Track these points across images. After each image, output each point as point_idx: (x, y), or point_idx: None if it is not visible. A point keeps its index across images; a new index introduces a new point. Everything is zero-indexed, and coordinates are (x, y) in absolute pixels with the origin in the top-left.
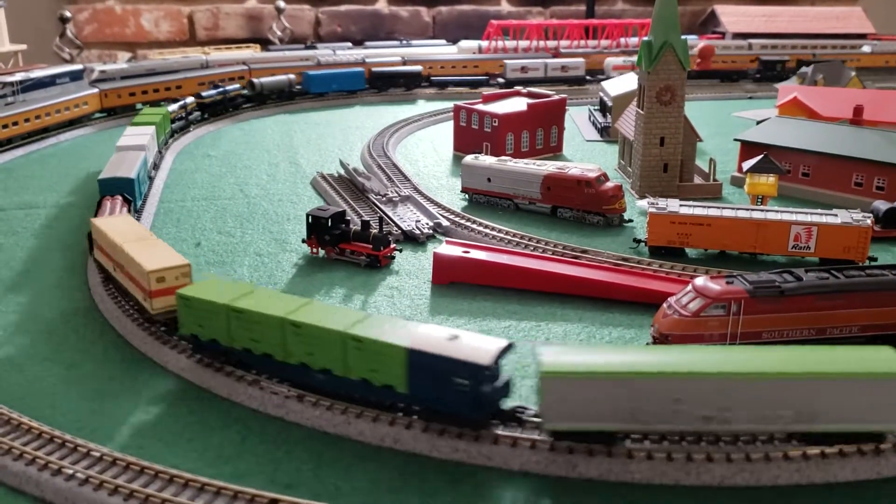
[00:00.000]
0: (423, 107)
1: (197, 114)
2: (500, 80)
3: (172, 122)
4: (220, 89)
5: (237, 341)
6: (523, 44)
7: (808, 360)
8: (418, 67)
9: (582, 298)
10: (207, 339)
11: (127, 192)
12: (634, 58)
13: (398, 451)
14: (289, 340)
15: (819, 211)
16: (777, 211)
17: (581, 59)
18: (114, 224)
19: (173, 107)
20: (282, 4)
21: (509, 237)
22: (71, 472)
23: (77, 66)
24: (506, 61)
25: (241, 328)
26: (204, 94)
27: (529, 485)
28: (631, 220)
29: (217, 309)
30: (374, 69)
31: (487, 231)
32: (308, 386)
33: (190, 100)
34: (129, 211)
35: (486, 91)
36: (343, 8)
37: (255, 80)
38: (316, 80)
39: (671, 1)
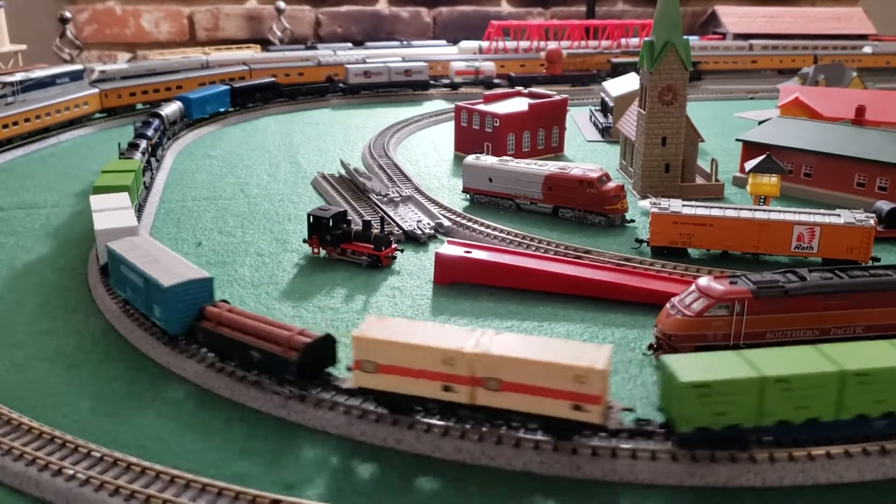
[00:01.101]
0: (425, 107)
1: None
2: (342, 85)
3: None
4: (156, 124)
5: (772, 416)
6: (524, 44)
7: None
8: (271, 79)
9: (584, 299)
10: (725, 426)
11: (206, 296)
12: (479, 63)
13: (401, 452)
14: (848, 394)
15: (822, 211)
16: (780, 211)
17: (424, 64)
18: (400, 331)
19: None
20: (282, 5)
21: (511, 237)
22: (71, 472)
23: (77, 67)
24: (347, 66)
25: (783, 399)
26: (149, 134)
27: (533, 485)
28: (633, 221)
29: (748, 386)
30: (234, 86)
31: (489, 231)
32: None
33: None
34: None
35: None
36: (343, 9)
37: (161, 112)
38: (196, 105)
39: (673, 1)
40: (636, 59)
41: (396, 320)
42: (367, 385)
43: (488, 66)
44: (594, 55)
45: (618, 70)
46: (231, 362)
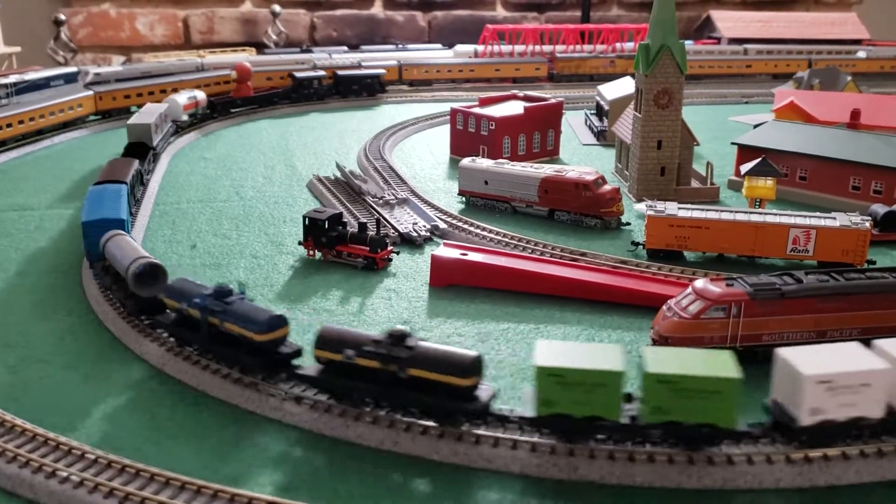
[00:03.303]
0: (421, 110)
1: None
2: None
3: None
4: None
5: None
6: (519, 48)
7: None
8: None
9: (580, 301)
10: None
11: None
12: (196, 93)
13: (397, 454)
14: None
15: (817, 214)
16: (775, 214)
17: (167, 104)
18: None
19: None
20: (277, 8)
21: (507, 240)
22: (65, 474)
23: (72, 69)
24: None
25: None
26: None
27: (530, 488)
28: (628, 224)
29: None
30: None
31: (485, 234)
32: None
33: None
34: None
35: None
36: (339, 12)
37: None
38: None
39: (669, 4)
40: (321, 72)
41: None
42: None
43: (201, 96)
44: (274, 72)
45: (303, 85)
46: None
